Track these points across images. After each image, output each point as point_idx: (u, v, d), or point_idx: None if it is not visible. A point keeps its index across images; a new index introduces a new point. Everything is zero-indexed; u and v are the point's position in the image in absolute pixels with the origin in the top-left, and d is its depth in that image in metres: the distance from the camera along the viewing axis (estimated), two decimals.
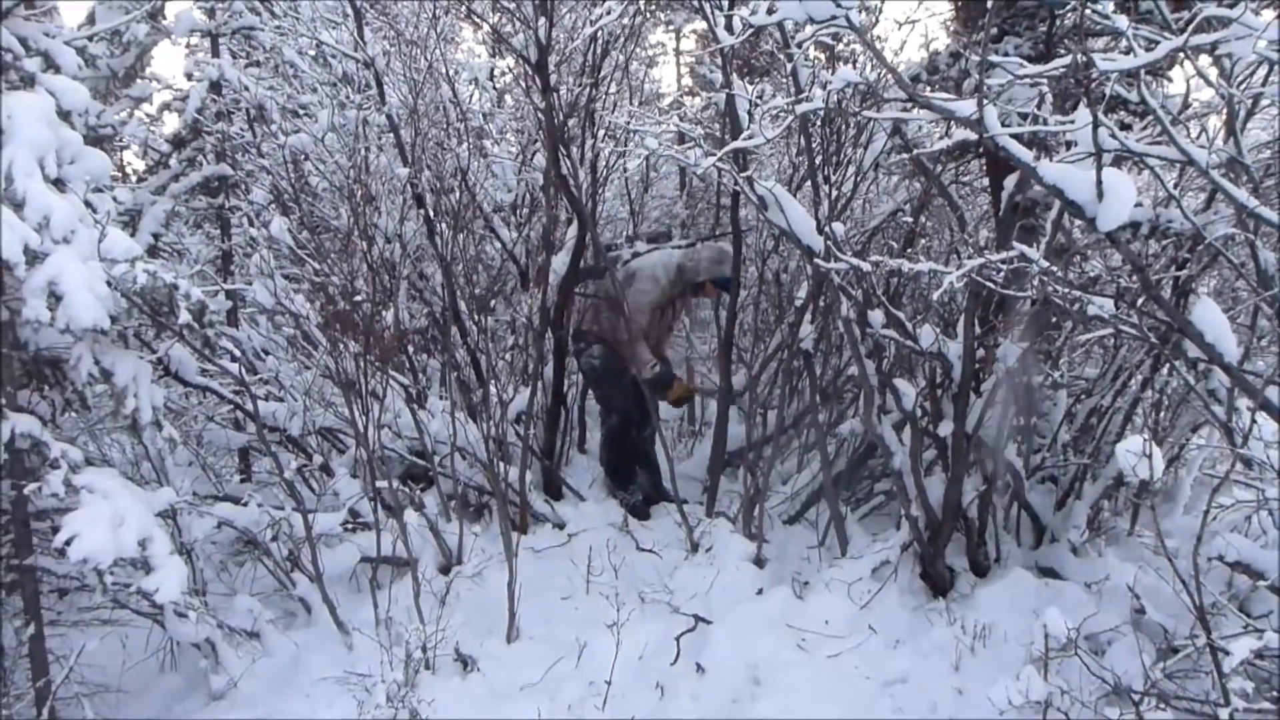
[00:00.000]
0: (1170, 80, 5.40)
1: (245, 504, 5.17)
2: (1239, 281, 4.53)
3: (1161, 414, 4.99)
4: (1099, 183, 3.00)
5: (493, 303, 6.50)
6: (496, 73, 8.43)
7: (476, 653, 4.49)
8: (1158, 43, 3.03)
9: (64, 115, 4.09)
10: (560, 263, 6.00)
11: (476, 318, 6.04)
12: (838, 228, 4.66)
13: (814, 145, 4.95)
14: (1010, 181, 4.40)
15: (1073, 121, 3.20)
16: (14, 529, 4.14)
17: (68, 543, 3.80)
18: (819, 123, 5.07)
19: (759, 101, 4.60)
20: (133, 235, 6.11)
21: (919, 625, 4.68)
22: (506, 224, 6.73)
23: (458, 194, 6.18)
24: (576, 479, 6.48)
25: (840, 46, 6.11)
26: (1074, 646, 3.77)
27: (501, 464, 5.30)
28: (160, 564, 4.06)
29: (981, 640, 4.41)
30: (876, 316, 4.79)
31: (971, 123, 3.10)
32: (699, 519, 5.69)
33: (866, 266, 4.18)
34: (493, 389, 5.47)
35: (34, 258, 3.73)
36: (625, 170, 7.15)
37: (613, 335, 6.01)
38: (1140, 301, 3.51)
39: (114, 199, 4.45)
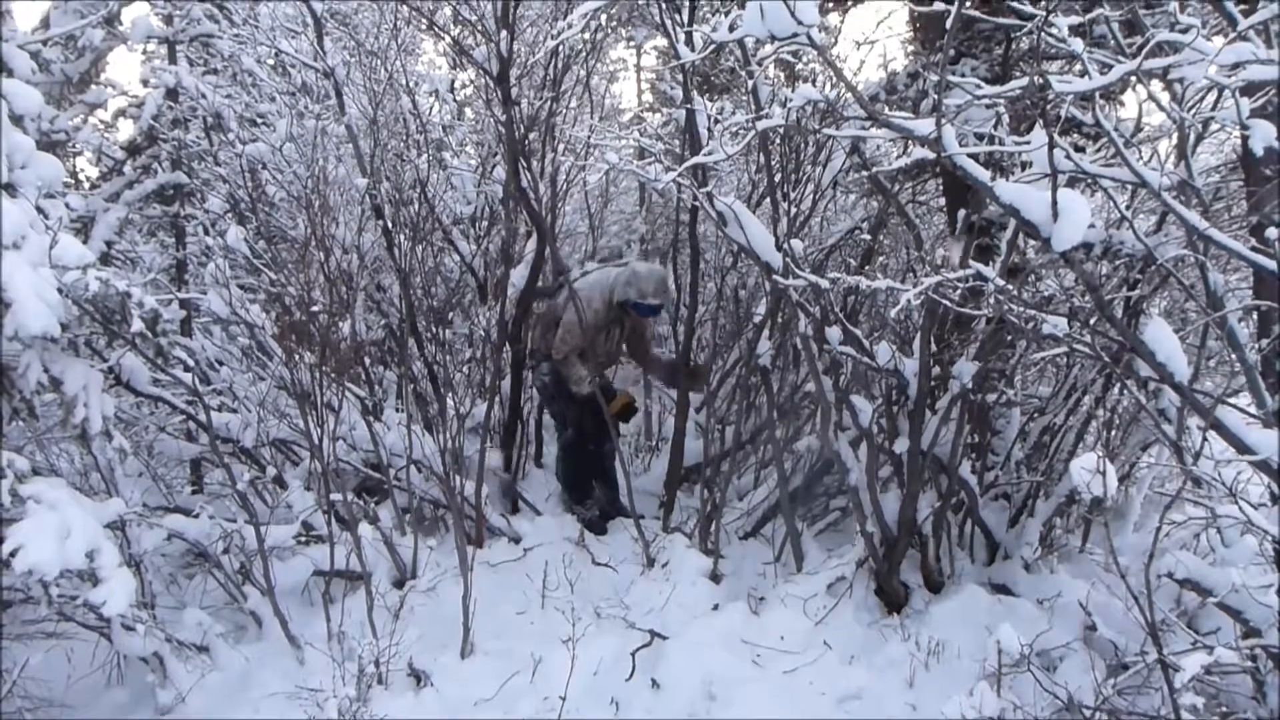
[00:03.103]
0: (1123, 104, 5.51)
1: (196, 516, 5.09)
2: (1189, 302, 4.61)
3: (1113, 432, 5.06)
4: (1054, 203, 3.05)
5: (450, 315, 6.47)
6: (457, 85, 8.42)
7: (430, 668, 4.45)
8: (1112, 66, 3.09)
9: (16, 119, 4.03)
10: (519, 276, 6.00)
11: (434, 330, 6.01)
12: (796, 245, 4.69)
13: (773, 162, 4.98)
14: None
15: (1029, 142, 3.25)
16: None
17: (13, 554, 3.71)
18: (778, 140, 5.11)
19: (719, 118, 4.62)
20: (85, 242, 6.01)
21: (873, 641, 4.70)
22: (465, 236, 6.71)
23: (416, 206, 6.16)
24: (533, 493, 6.46)
25: (800, 65, 6.16)
26: (1027, 662, 3.81)
27: (457, 477, 5.26)
28: (108, 576, 3.98)
29: (935, 656, 4.44)
30: (834, 333, 4.82)
31: (929, 142, 3.14)
32: (655, 534, 5.69)
33: (824, 283, 4.22)
34: (450, 402, 5.44)
35: None
36: (585, 184, 7.16)
37: (547, 352, 6.02)
38: (1093, 321, 3.56)
39: (66, 205, 4.37)
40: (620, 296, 5.88)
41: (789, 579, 5.16)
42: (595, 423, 6.03)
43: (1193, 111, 3.51)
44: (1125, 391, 4.72)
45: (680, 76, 5.26)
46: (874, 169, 4.76)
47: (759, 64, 4.39)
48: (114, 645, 4.44)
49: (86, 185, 8.94)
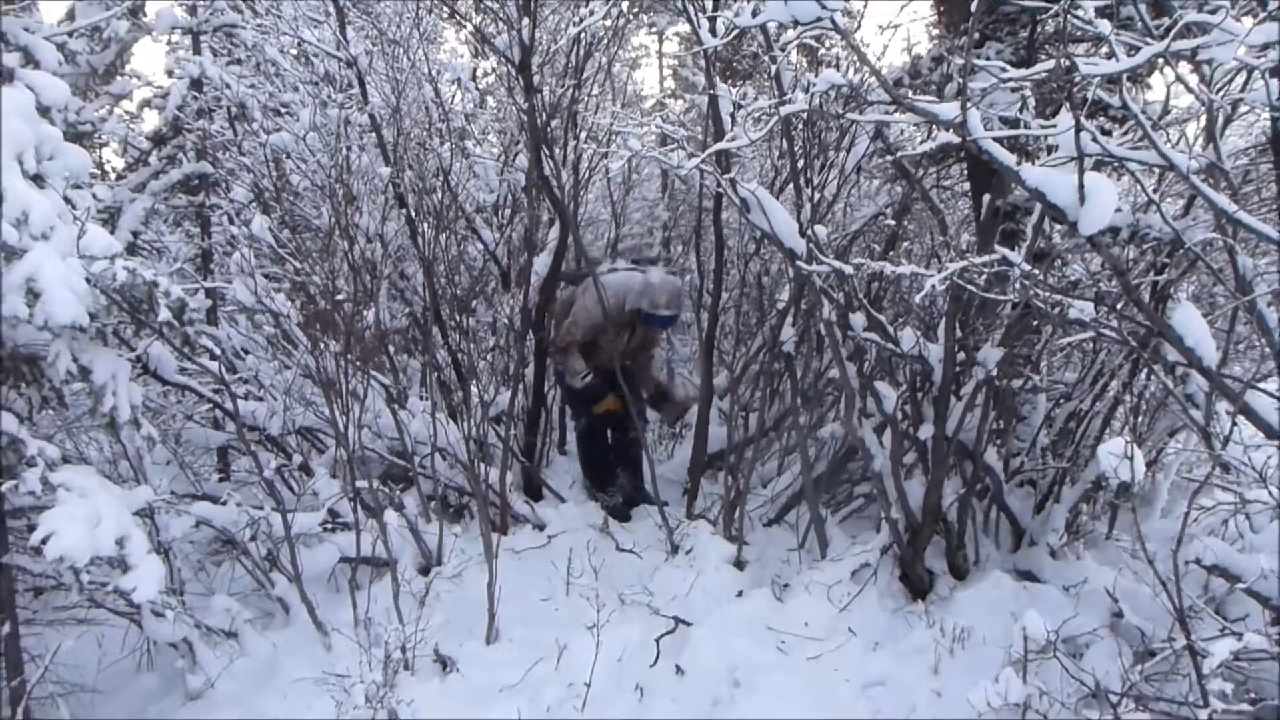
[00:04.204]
0: (1149, 88, 5.45)
1: (224, 503, 5.13)
2: (1217, 287, 4.57)
3: (1140, 418, 5.02)
4: (1081, 187, 3.02)
5: (474, 303, 6.49)
6: (479, 73, 8.41)
7: (456, 654, 4.47)
8: (1139, 48, 3.05)
9: (43, 111, 4.05)
10: (542, 264, 6.00)
11: (458, 318, 6.03)
12: (820, 231, 4.67)
13: (796, 148, 4.96)
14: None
15: (1055, 126, 3.22)
16: None
17: (44, 541, 3.75)
18: (801, 125, 5.09)
19: (742, 104, 4.60)
20: (112, 232, 6.04)
21: (898, 628, 4.69)
22: (488, 225, 6.72)
23: (440, 194, 6.17)
24: (557, 480, 6.48)
25: (823, 51, 6.13)
26: (1053, 649, 3.79)
27: (482, 465, 5.28)
28: (138, 563, 4.02)
29: (960, 643, 4.42)
30: (858, 319, 4.80)
31: (955, 126, 3.12)
32: (679, 521, 5.69)
33: (849, 269, 4.20)
34: (473, 390, 5.46)
35: (12, 254, 3.69)
36: (608, 171, 7.16)
37: (552, 338, 6.05)
38: (1120, 305, 3.54)
39: (93, 196, 4.39)
40: (633, 304, 5.86)
41: (813, 566, 5.16)
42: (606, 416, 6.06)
43: (1221, 93, 3.47)
44: (1152, 377, 4.69)
45: (703, 62, 5.24)
46: (898, 154, 4.73)
47: (782, 49, 4.37)
48: (144, 631, 4.49)
49: (112, 176, 8.98)
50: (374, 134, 6.34)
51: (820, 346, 5.67)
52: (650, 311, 5.83)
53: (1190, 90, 3.39)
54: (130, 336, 4.90)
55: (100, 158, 9.09)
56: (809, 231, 4.50)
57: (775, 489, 6.07)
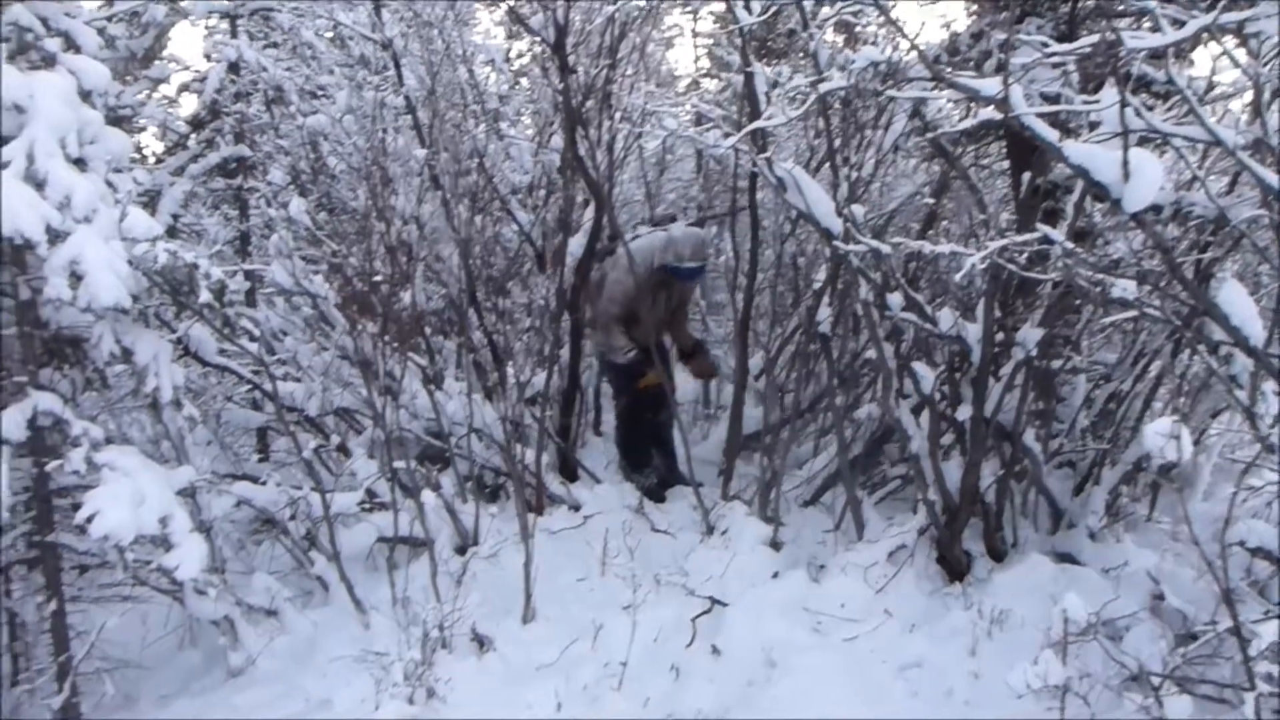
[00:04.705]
0: (1193, 63, 5.35)
1: (263, 483, 5.19)
2: (1262, 265, 4.48)
3: (1181, 399, 4.95)
4: (1125, 163, 2.98)
5: (509, 284, 6.50)
6: (513, 54, 8.42)
7: (493, 633, 4.50)
8: (1184, 22, 3.00)
9: (85, 95, 4.08)
10: (577, 245, 6.00)
11: (493, 300, 6.05)
12: (857, 210, 4.63)
13: (833, 127, 4.92)
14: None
15: (1098, 101, 3.17)
16: (36, 506, 4.16)
17: (89, 520, 3.81)
18: (838, 104, 5.04)
19: (779, 81, 4.57)
20: (152, 215, 6.13)
21: (935, 609, 4.66)
22: (523, 206, 6.73)
23: (475, 176, 6.18)
24: (592, 461, 6.49)
25: (859, 28, 6.06)
26: (1094, 631, 3.75)
27: (517, 445, 5.30)
28: (180, 541, 4.07)
29: (998, 625, 4.39)
30: (895, 299, 4.76)
31: (997, 102, 3.08)
32: (715, 502, 5.69)
33: (886, 249, 4.17)
34: (509, 371, 5.47)
35: (55, 237, 3.73)
36: (642, 152, 7.13)
37: (591, 318, 6.03)
38: (1164, 284, 3.48)
39: (134, 179, 4.45)
40: (660, 261, 5.88)
41: (849, 547, 5.14)
42: (649, 392, 6.05)
43: (1269, 67, 3.40)
44: (1195, 356, 4.62)
45: (738, 41, 5.21)
46: (936, 132, 4.68)
47: (819, 26, 4.33)
48: (186, 608, 4.56)
49: (152, 160, 9.09)
50: (409, 116, 6.35)
51: (856, 327, 5.63)
52: (676, 265, 5.85)
53: (1237, 64, 3.32)
54: (171, 318, 4.96)
55: (139, 142, 9.19)
56: (845, 211, 4.46)
57: (811, 470, 6.05)
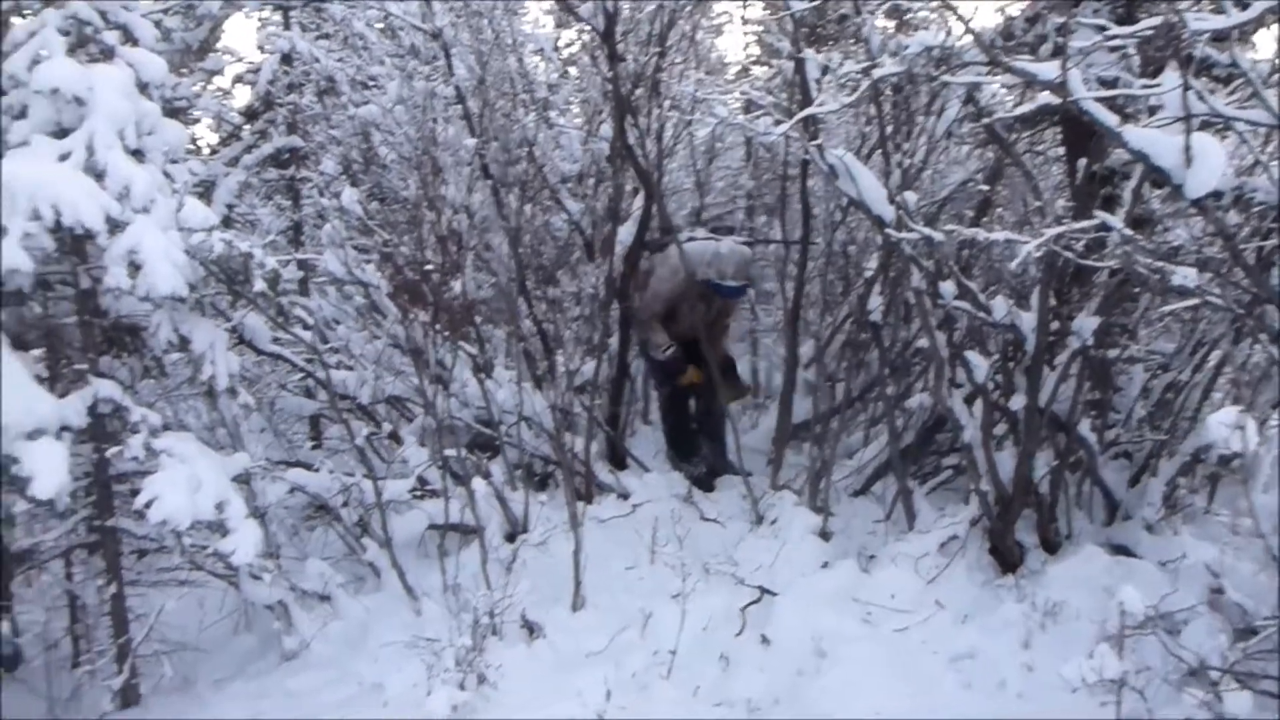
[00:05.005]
0: (1255, 47, 5.22)
1: (317, 470, 5.26)
2: None
3: (1242, 389, 4.85)
4: (1187, 148, 2.92)
5: (559, 273, 6.52)
6: (561, 43, 8.41)
7: (543, 620, 4.52)
8: (1248, 3, 2.93)
9: (142, 87, 4.15)
10: (626, 233, 6.00)
11: (542, 289, 6.07)
12: (909, 197, 4.58)
13: (885, 113, 4.86)
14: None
15: (1159, 85, 3.11)
16: (96, 491, 4.26)
17: (148, 505, 3.89)
18: (890, 90, 4.99)
19: (829, 67, 4.52)
20: (208, 206, 6.22)
21: (987, 601, 4.61)
22: (572, 195, 6.73)
23: (524, 165, 6.19)
24: (641, 449, 6.49)
25: (910, 14, 5.98)
26: (1153, 625, 3.69)
27: (567, 434, 5.32)
28: (236, 527, 4.14)
29: (1052, 617, 4.33)
30: (948, 287, 4.71)
31: (1055, 86, 3.02)
32: (764, 491, 5.67)
33: (939, 236, 4.12)
34: (558, 359, 5.48)
35: (115, 227, 3.80)
36: (692, 139, 7.11)
37: (634, 312, 6.03)
38: (1225, 272, 3.41)
39: (190, 170, 4.51)
40: (702, 275, 5.81)
41: (900, 537, 5.10)
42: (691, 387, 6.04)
43: None
44: (1257, 345, 4.52)
45: (789, 27, 5.16)
46: (990, 118, 4.61)
47: (871, 11, 4.28)
48: (241, 593, 4.64)
49: (207, 150, 9.21)
50: (459, 106, 6.37)
51: (908, 315, 5.58)
52: (718, 282, 5.80)
53: None
54: (226, 307, 5.03)
55: (194, 133, 9.31)
56: (898, 198, 4.41)
57: (861, 460, 6.01)
